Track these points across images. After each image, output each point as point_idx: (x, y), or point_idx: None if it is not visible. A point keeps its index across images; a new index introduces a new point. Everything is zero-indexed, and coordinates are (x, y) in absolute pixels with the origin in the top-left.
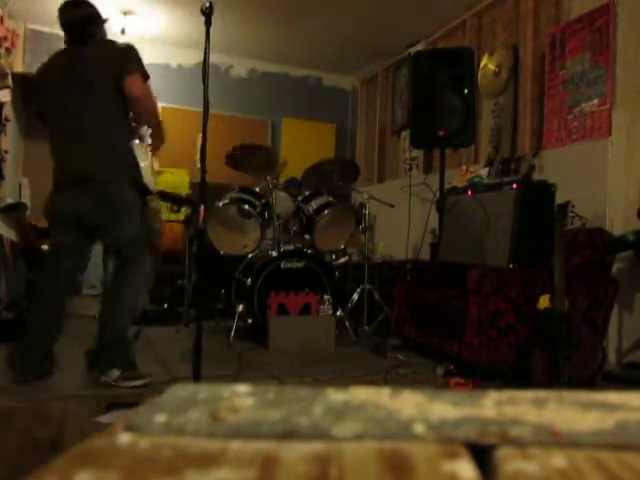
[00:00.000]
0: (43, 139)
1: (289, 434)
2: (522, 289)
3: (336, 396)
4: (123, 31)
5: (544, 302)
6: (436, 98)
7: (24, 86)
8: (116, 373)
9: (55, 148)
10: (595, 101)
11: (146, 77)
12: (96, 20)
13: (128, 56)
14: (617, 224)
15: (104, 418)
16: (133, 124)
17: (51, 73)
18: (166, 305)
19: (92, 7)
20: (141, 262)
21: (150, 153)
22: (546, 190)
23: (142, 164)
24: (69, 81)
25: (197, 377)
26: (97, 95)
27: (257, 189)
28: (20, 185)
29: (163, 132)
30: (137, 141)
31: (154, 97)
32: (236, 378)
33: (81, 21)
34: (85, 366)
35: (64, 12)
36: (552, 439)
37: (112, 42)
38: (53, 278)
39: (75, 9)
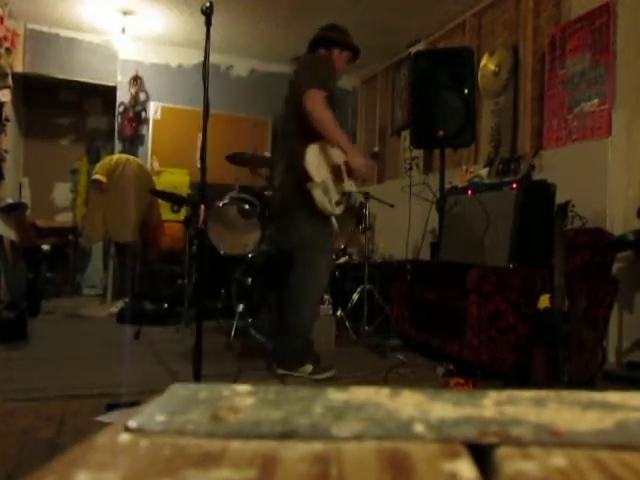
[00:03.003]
0: (43, 139)
1: (289, 434)
2: (522, 289)
3: (336, 396)
4: (123, 31)
5: (544, 302)
6: (436, 98)
7: (24, 86)
8: (309, 368)
9: None
10: (595, 101)
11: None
12: (325, 43)
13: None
14: (617, 224)
15: (104, 418)
16: None
17: None
18: (166, 305)
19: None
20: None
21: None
22: (546, 190)
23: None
24: None
25: (197, 377)
26: None
27: (257, 189)
28: (20, 185)
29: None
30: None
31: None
32: (236, 378)
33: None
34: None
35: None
36: (552, 439)
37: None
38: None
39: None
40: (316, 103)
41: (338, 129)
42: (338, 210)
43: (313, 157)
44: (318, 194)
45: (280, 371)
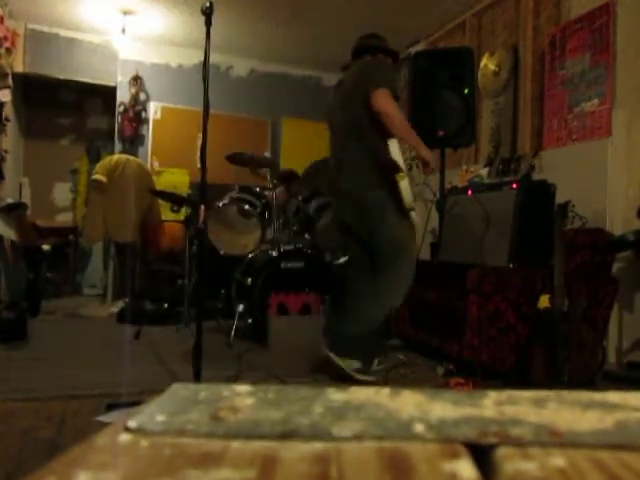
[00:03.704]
0: (43, 139)
1: (289, 434)
2: (522, 289)
3: (336, 396)
4: (123, 31)
5: (544, 302)
6: (436, 98)
7: (24, 86)
8: (355, 365)
9: None
10: (595, 101)
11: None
12: (370, 50)
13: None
14: (617, 224)
15: (104, 418)
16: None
17: None
18: (166, 305)
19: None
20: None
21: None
22: (546, 190)
23: None
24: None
25: (197, 377)
26: None
27: (257, 189)
28: (20, 185)
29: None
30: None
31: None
32: (236, 378)
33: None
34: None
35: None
36: (552, 439)
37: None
38: None
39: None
40: (387, 101)
41: (409, 125)
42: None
43: (396, 150)
44: (405, 185)
45: (335, 357)
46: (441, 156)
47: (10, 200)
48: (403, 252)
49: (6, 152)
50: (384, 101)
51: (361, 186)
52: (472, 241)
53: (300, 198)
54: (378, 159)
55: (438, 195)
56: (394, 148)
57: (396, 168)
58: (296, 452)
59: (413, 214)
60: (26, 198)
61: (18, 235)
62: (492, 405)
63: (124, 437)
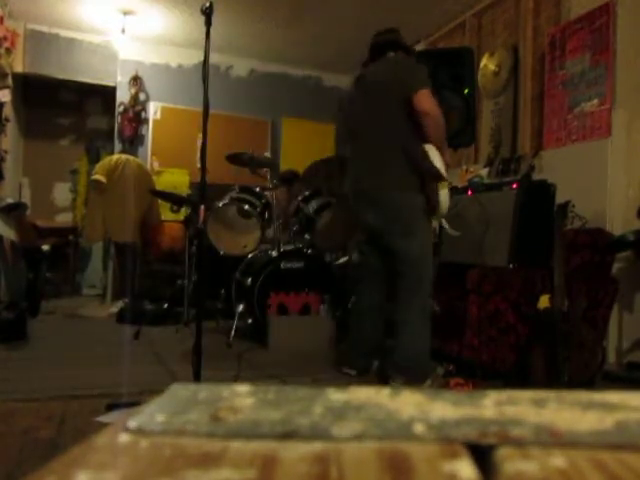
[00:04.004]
0: (43, 139)
1: (289, 434)
2: (522, 289)
3: (336, 396)
4: (123, 31)
5: (544, 302)
6: (436, 98)
7: (24, 86)
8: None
9: None
10: (595, 101)
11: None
12: (392, 46)
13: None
14: (617, 224)
15: (104, 418)
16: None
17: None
18: (166, 305)
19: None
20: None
21: None
22: (546, 190)
23: None
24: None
25: (197, 377)
26: None
27: (257, 189)
28: (20, 185)
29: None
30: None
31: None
32: (236, 378)
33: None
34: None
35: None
36: (552, 439)
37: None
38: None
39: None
40: (432, 102)
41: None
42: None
43: (437, 156)
44: (445, 194)
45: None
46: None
47: (10, 200)
48: (428, 257)
49: (6, 152)
50: (429, 102)
51: (395, 188)
52: (472, 241)
53: (300, 198)
54: (416, 162)
55: None
56: (434, 154)
57: (439, 176)
58: (296, 452)
59: (444, 221)
60: (26, 198)
61: (18, 235)
62: (492, 405)
63: (124, 437)
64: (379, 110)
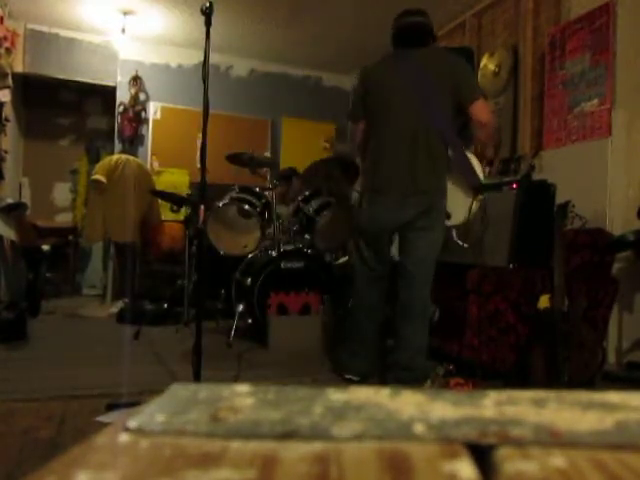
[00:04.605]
0: (43, 139)
1: (289, 434)
2: (522, 289)
3: (336, 396)
4: (123, 31)
5: (544, 302)
6: None
7: (24, 86)
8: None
9: None
10: (595, 101)
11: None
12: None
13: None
14: (617, 224)
15: (104, 418)
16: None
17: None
18: (166, 305)
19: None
20: None
21: None
22: (546, 190)
23: None
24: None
25: (197, 377)
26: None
27: (257, 189)
28: (20, 185)
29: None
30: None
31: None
32: (236, 378)
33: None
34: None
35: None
36: (552, 439)
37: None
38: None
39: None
40: (491, 115)
41: None
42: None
43: (479, 169)
44: (476, 207)
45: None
46: None
47: (10, 200)
48: (435, 260)
49: (6, 152)
50: (488, 113)
51: (436, 189)
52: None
53: (300, 198)
54: (462, 171)
55: None
56: (477, 165)
57: (480, 190)
58: (296, 452)
59: (454, 231)
60: (26, 198)
61: (18, 235)
62: (492, 405)
63: (124, 437)
64: (427, 105)
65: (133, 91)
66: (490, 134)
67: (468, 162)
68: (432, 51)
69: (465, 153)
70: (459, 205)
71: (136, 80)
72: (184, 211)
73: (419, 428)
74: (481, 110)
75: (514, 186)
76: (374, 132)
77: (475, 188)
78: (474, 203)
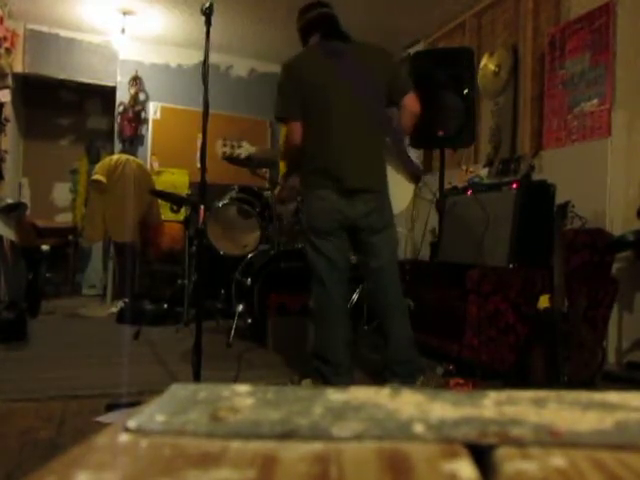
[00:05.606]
0: (43, 139)
1: (289, 434)
2: (522, 289)
3: (336, 396)
4: (123, 31)
5: (544, 302)
6: (436, 98)
7: (24, 86)
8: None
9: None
10: (595, 101)
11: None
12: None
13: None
14: (617, 224)
15: (104, 418)
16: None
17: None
18: (166, 305)
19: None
20: None
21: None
22: (546, 190)
23: None
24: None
25: (197, 377)
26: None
27: (257, 189)
28: (20, 185)
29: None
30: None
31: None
32: (236, 378)
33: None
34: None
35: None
36: (552, 439)
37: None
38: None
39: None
40: (419, 104)
41: None
42: None
43: (416, 158)
44: (412, 197)
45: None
46: (441, 156)
47: (10, 200)
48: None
49: (6, 152)
50: (419, 104)
51: (382, 184)
52: (472, 241)
53: (300, 198)
54: (403, 161)
55: (438, 195)
56: (413, 155)
57: (419, 178)
58: (296, 452)
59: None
60: (26, 198)
61: (17, 235)
62: (492, 405)
63: (124, 437)
64: (368, 101)
65: (133, 91)
66: (413, 126)
67: (407, 152)
68: (364, 46)
69: (405, 144)
70: (400, 193)
71: (136, 80)
72: (184, 211)
73: (419, 428)
74: (415, 101)
75: (514, 186)
76: (314, 130)
77: (416, 175)
78: (413, 194)
